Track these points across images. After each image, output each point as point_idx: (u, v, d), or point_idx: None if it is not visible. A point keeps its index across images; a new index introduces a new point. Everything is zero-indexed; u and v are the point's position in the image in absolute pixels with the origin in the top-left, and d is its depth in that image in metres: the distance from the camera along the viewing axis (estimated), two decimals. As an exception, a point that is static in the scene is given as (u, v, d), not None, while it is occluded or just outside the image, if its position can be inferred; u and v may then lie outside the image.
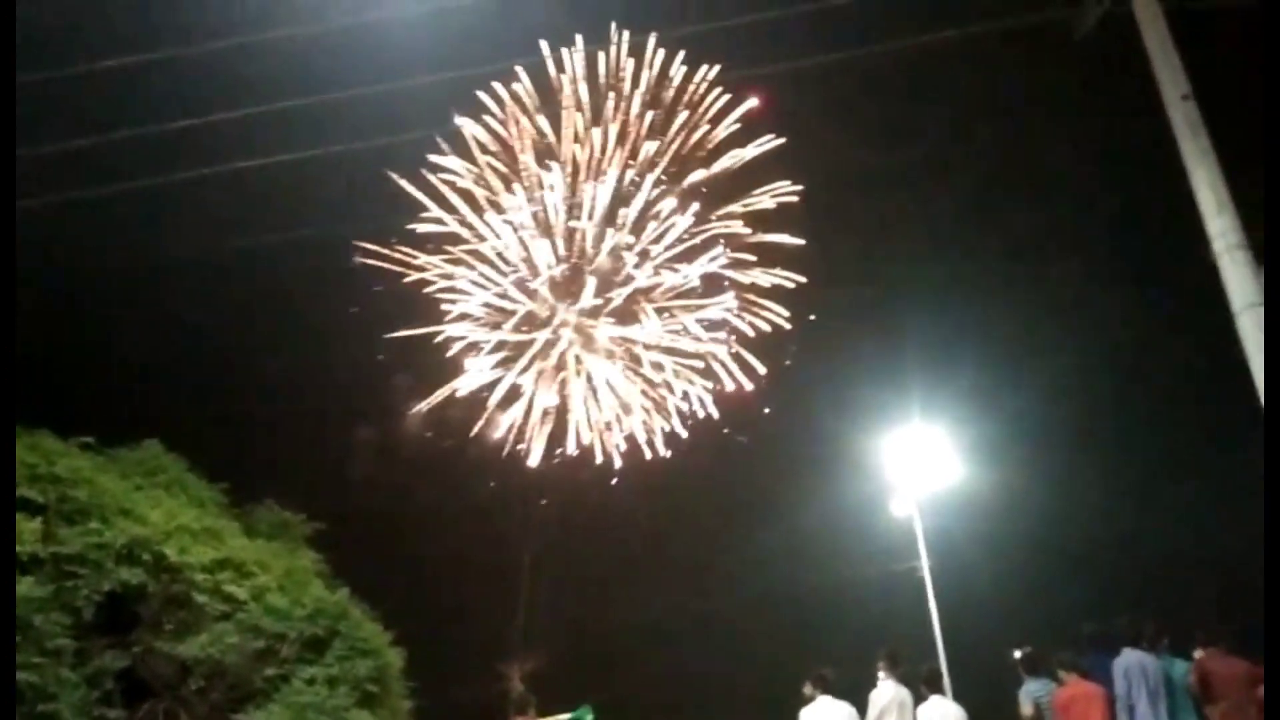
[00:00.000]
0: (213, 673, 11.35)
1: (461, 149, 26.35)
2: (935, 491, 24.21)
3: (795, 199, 27.45)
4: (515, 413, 29.96)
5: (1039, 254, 34.01)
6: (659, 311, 29.56)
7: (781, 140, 27.45)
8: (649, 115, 26.69)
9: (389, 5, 13.36)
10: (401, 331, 30.03)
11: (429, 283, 28.88)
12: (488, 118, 26.26)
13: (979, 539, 26.94)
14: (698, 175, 27.85)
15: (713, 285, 30.29)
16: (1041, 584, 27.85)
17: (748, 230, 28.00)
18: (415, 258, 27.87)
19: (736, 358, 29.80)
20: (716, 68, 25.75)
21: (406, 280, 28.05)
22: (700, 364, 29.66)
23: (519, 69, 25.01)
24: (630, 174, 27.54)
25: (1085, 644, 9.75)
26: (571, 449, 30.10)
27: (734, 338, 30.23)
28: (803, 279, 27.80)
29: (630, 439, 30.35)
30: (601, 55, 26.08)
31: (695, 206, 27.78)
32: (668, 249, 28.49)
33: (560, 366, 29.90)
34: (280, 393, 31.02)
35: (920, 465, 23.70)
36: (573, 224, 28.12)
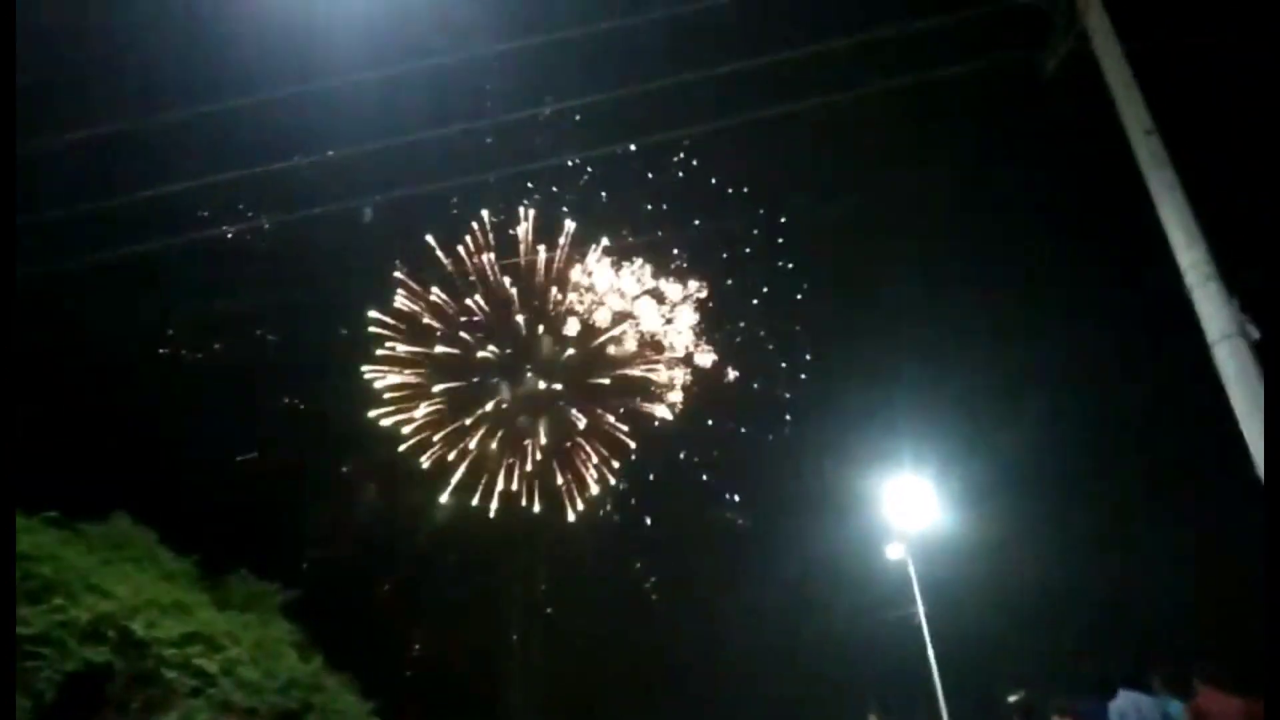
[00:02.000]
0: (182, 753, 10.94)
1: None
2: (927, 536, 24.03)
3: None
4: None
5: (1020, 297, 34.23)
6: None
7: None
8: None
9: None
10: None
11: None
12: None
13: (971, 583, 26.75)
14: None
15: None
16: (1036, 625, 27.60)
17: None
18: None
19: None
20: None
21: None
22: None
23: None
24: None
25: (1081, 686, 9.53)
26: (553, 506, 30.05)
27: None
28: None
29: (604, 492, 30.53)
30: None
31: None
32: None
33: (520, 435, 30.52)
34: (253, 457, 30.69)
35: (912, 511, 23.55)
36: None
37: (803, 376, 35.77)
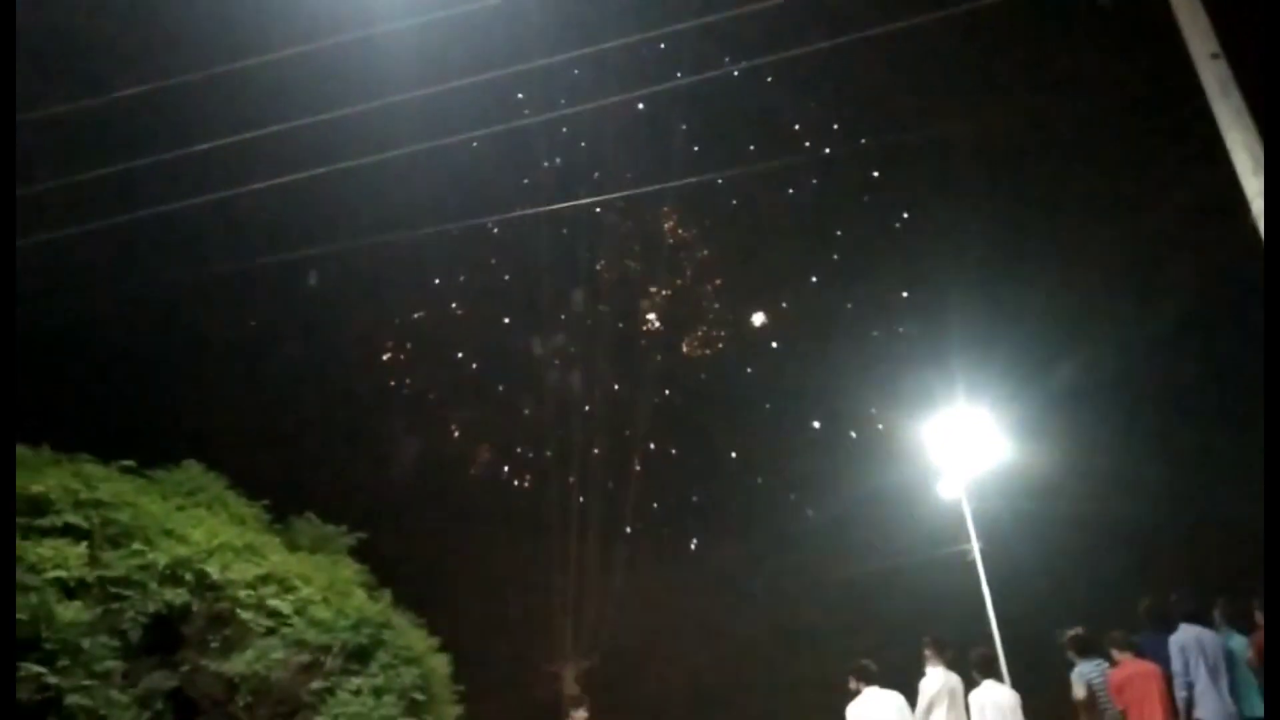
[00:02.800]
0: (260, 688, 11.38)
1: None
2: (981, 473, 23.92)
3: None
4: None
5: (1079, 226, 33.51)
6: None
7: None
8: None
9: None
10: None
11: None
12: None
13: (1027, 519, 26.61)
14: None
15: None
16: (1093, 561, 27.45)
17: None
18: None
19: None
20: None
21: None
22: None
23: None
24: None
25: (1140, 621, 9.52)
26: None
27: None
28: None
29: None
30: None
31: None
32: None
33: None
34: (317, 404, 31.33)
35: (966, 447, 23.41)
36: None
37: (848, 306, 35.41)
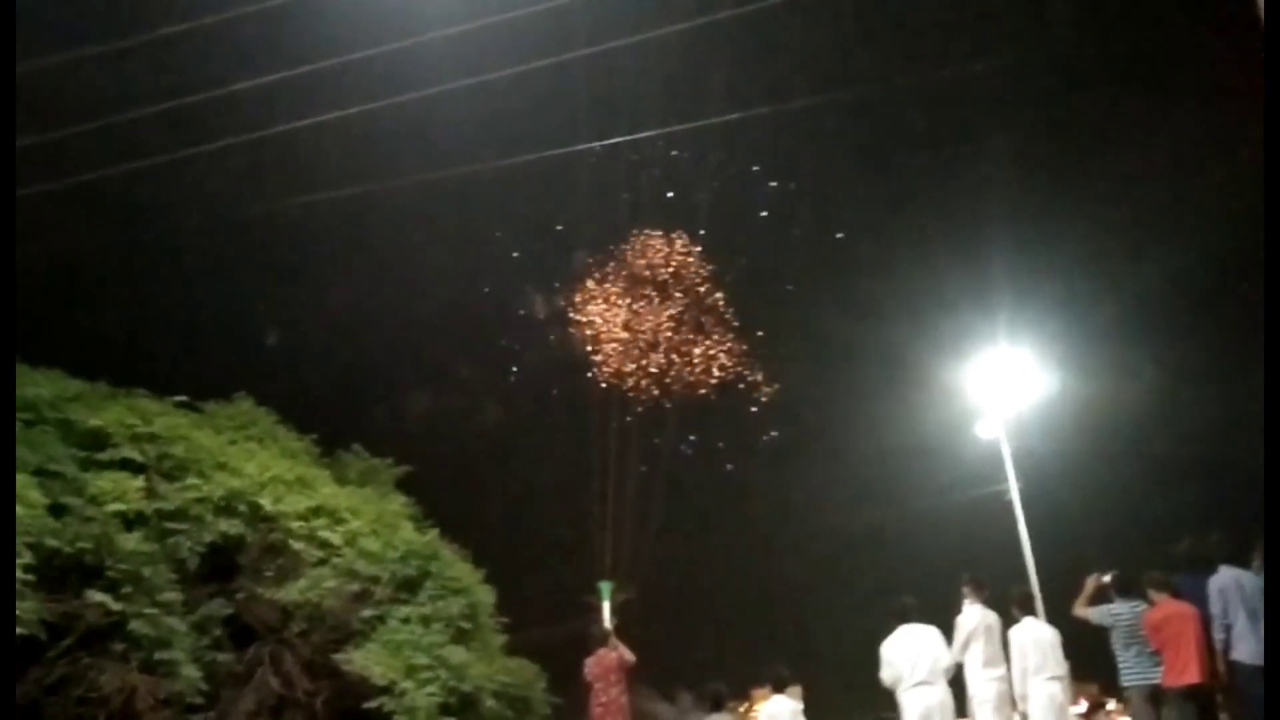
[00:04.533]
0: (313, 616, 11.79)
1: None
2: (1021, 411, 23.78)
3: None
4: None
5: (1122, 158, 32.70)
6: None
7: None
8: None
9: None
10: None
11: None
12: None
13: (1067, 459, 26.45)
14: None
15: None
16: (1134, 502, 27.29)
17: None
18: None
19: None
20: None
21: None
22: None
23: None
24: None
25: (1179, 562, 9.52)
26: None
27: None
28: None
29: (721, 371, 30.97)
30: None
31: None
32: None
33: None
34: (361, 336, 31.70)
35: (1006, 386, 23.25)
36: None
37: (886, 246, 35.01)
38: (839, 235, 34.48)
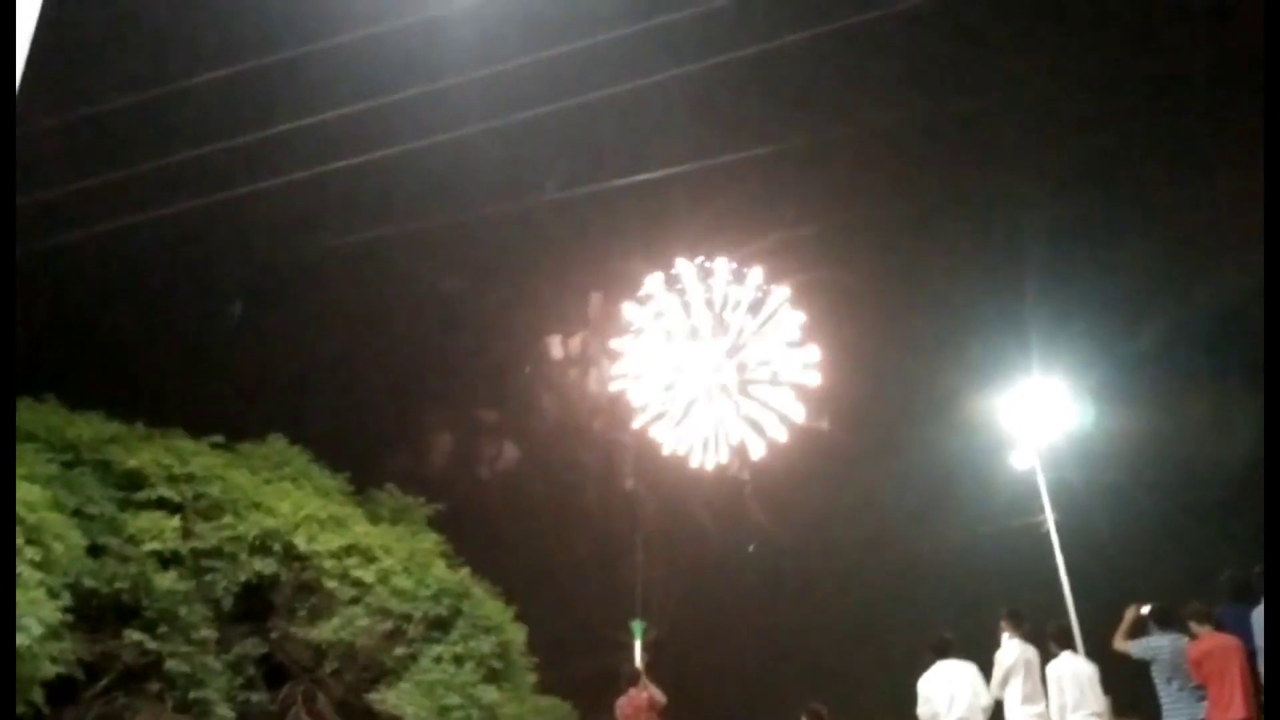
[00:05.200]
0: (346, 654, 11.84)
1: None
2: (1056, 442, 23.50)
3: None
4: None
5: (1163, 183, 32.43)
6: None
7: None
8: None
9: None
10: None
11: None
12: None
13: (1104, 490, 26.04)
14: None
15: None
16: (1173, 534, 26.78)
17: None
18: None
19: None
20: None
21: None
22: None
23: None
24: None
25: (1221, 593, 9.34)
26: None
27: None
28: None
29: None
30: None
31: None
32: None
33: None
34: (396, 382, 31.92)
35: (1040, 416, 23.02)
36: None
37: (920, 273, 34.93)
38: (867, 263, 34.43)
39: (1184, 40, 28.45)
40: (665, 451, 31.16)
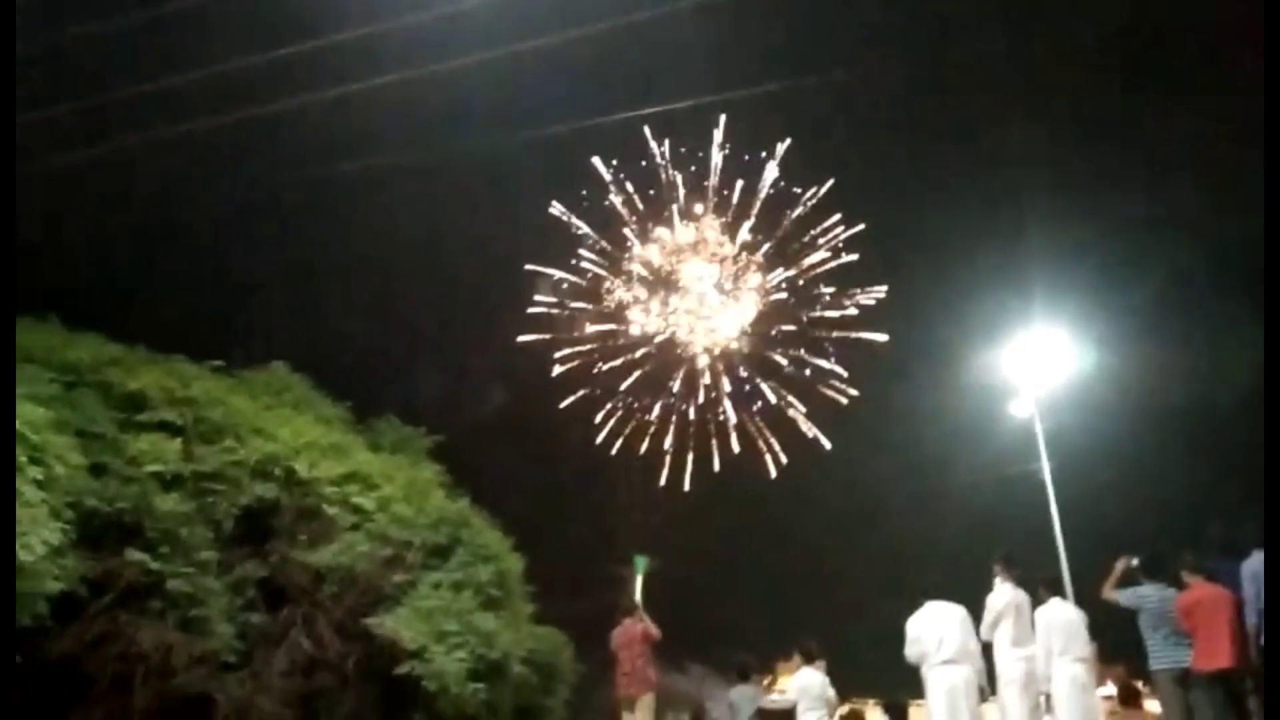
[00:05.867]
0: (345, 579, 11.96)
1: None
2: (1056, 390, 23.56)
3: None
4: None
5: (1162, 135, 32.05)
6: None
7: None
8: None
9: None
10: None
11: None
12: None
13: (1103, 438, 26.19)
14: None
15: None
16: (1169, 483, 26.95)
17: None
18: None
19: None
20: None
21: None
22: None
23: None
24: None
25: (1211, 545, 9.43)
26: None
27: None
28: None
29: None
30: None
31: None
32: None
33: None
34: (398, 310, 31.90)
35: (1041, 365, 23.03)
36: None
37: (924, 224, 34.76)
38: (873, 214, 34.26)
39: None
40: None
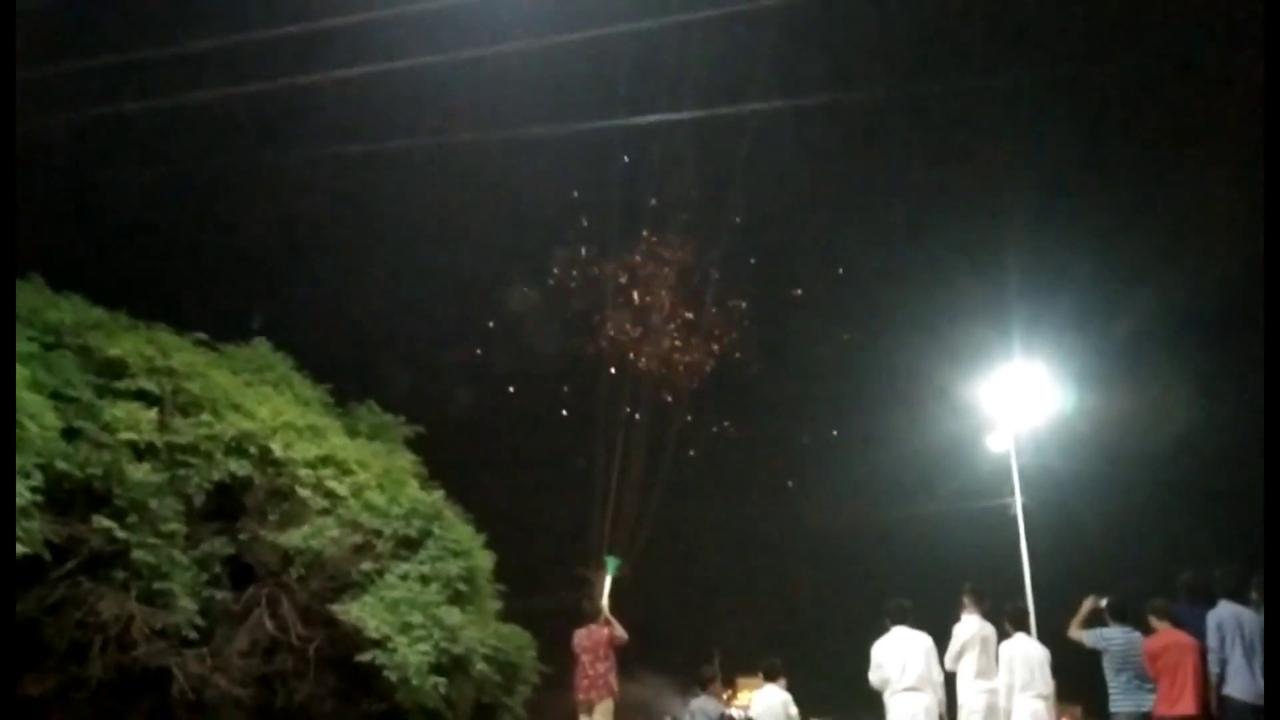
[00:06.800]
0: (313, 563, 11.86)
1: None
2: (1036, 427, 23.67)
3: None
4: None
5: (1142, 173, 32.26)
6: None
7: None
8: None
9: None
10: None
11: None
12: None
13: (1079, 477, 26.28)
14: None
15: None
16: (1142, 526, 27.11)
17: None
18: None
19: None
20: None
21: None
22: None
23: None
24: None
25: (1180, 592, 9.46)
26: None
27: None
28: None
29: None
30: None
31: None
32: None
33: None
34: (384, 296, 31.78)
35: (1019, 400, 23.15)
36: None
37: (902, 259, 34.88)
38: (853, 247, 34.36)
39: (1170, 26, 27.99)
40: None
